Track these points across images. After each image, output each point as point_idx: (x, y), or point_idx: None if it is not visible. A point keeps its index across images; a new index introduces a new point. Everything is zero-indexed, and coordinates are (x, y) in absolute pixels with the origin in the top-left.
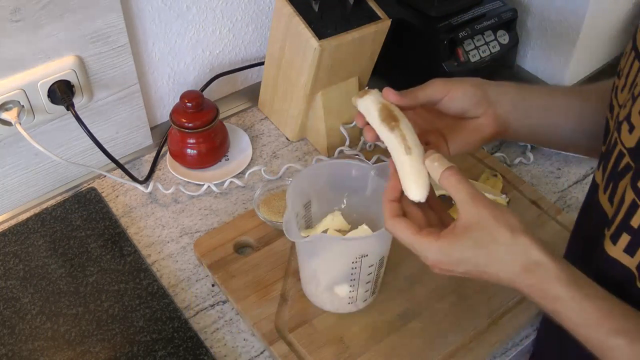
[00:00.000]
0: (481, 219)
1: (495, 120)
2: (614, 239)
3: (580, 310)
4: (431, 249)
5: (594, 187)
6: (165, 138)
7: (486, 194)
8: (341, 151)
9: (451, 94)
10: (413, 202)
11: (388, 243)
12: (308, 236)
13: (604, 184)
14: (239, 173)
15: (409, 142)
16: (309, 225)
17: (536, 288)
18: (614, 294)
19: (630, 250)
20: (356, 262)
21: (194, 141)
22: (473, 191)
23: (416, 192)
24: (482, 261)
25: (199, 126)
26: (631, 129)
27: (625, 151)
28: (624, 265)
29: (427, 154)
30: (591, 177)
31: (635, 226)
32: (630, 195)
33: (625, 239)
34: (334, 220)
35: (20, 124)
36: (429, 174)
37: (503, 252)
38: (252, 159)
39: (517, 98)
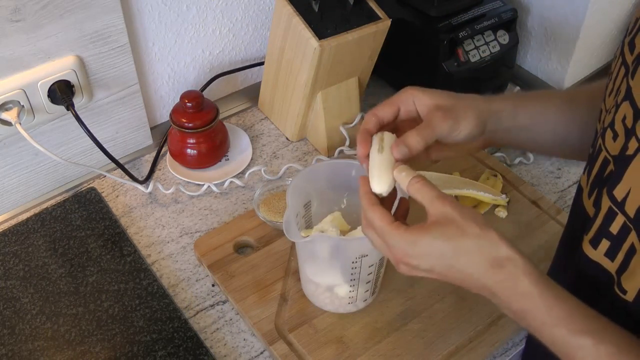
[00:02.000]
0: (449, 214)
1: (485, 142)
2: (594, 244)
3: (548, 308)
4: (398, 239)
5: (579, 190)
6: (165, 138)
7: (486, 194)
8: (341, 151)
9: (456, 133)
10: (382, 200)
11: None
12: (308, 236)
13: (589, 189)
14: (239, 173)
15: (384, 143)
16: (309, 225)
17: (505, 284)
18: (592, 296)
19: (610, 254)
20: (356, 262)
21: (194, 141)
22: (439, 193)
23: (379, 184)
24: (449, 254)
25: (199, 126)
26: (615, 136)
27: (610, 158)
28: (604, 268)
29: (395, 165)
30: None
31: (614, 232)
32: (606, 203)
33: (605, 244)
34: (334, 221)
35: (20, 124)
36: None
37: (471, 245)
38: (252, 159)
39: (511, 122)
